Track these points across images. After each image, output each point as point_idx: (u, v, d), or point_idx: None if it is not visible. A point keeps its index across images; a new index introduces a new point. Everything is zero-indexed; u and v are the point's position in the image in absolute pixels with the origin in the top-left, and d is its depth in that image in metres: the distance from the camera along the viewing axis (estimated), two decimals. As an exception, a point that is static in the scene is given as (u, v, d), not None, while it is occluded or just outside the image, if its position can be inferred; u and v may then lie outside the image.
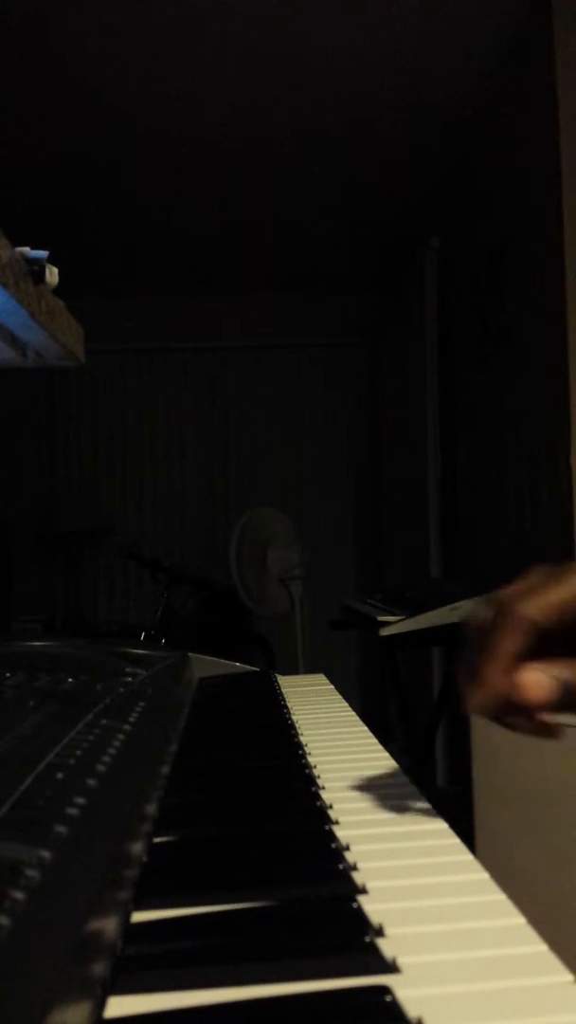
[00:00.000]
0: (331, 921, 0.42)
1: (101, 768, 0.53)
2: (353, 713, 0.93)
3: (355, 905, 0.43)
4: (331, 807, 0.59)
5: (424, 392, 4.11)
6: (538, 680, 0.53)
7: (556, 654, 0.56)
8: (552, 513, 2.66)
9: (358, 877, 0.47)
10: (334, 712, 0.95)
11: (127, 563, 5.00)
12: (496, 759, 1.80)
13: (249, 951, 0.39)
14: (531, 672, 0.53)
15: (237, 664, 1.21)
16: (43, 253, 0.86)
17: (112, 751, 0.57)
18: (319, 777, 0.66)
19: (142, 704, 0.73)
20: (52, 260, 0.87)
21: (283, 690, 1.05)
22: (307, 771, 0.67)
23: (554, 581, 0.56)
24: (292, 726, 0.84)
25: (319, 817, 0.56)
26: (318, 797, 0.60)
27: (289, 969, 0.37)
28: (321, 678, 1.19)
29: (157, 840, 0.53)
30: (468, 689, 0.56)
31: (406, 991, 0.35)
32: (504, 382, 3.14)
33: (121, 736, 0.61)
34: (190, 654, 1.16)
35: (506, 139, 3.10)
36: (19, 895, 0.34)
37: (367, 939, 0.39)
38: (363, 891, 0.45)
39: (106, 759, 0.55)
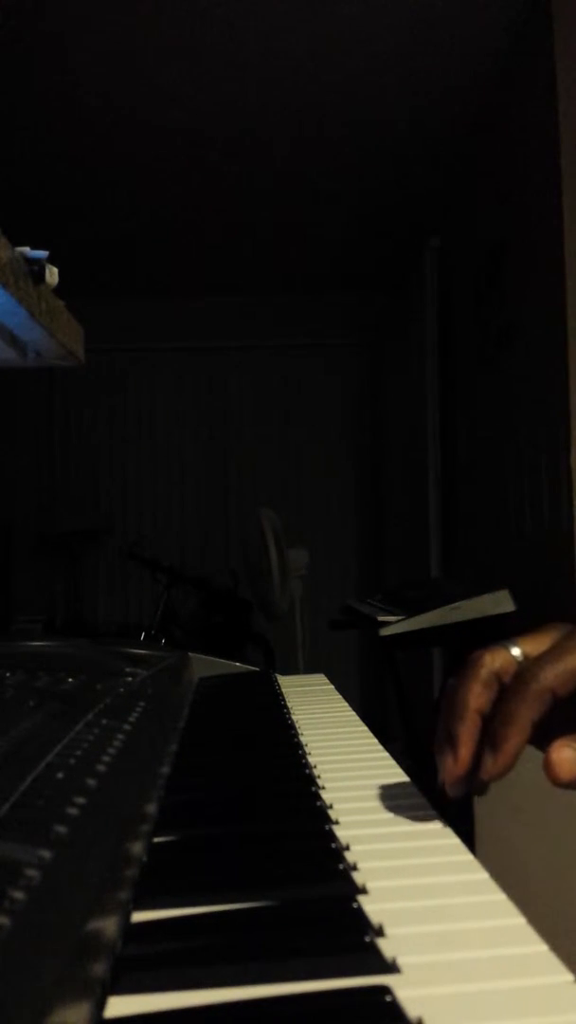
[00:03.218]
0: (331, 921, 0.42)
1: (101, 768, 0.53)
2: (353, 713, 0.93)
3: (355, 905, 0.43)
4: (331, 807, 0.59)
5: (424, 392, 4.11)
6: (571, 758, 0.51)
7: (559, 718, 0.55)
8: (552, 513, 2.66)
9: (358, 877, 0.47)
10: (334, 712, 0.95)
11: (127, 563, 5.00)
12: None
13: (249, 951, 0.39)
14: (562, 749, 0.51)
15: (237, 664, 1.21)
16: (43, 253, 0.86)
17: (112, 751, 0.57)
18: (319, 777, 0.66)
19: (142, 704, 0.73)
20: (52, 260, 0.87)
21: (283, 690, 1.05)
22: (307, 771, 0.67)
23: (572, 646, 0.54)
24: (292, 726, 0.84)
25: (319, 817, 0.56)
26: (318, 797, 0.60)
27: (289, 969, 0.37)
28: (321, 678, 1.19)
29: (157, 840, 0.53)
30: (448, 760, 0.54)
31: (406, 991, 0.35)
32: (504, 382, 3.14)
33: (121, 736, 0.61)
34: (190, 654, 1.16)
35: (506, 139, 3.10)
36: (19, 895, 0.34)
37: (367, 939, 0.39)
38: (363, 891, 0.45)
39: (106, 759, 0.55)
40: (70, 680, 0.80)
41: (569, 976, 0.36)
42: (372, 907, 0.43)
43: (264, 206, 4.23)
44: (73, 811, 0.44)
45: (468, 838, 1.40)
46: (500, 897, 0.45)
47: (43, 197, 3.99)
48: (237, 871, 0.48)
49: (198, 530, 5.46)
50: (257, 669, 1.22)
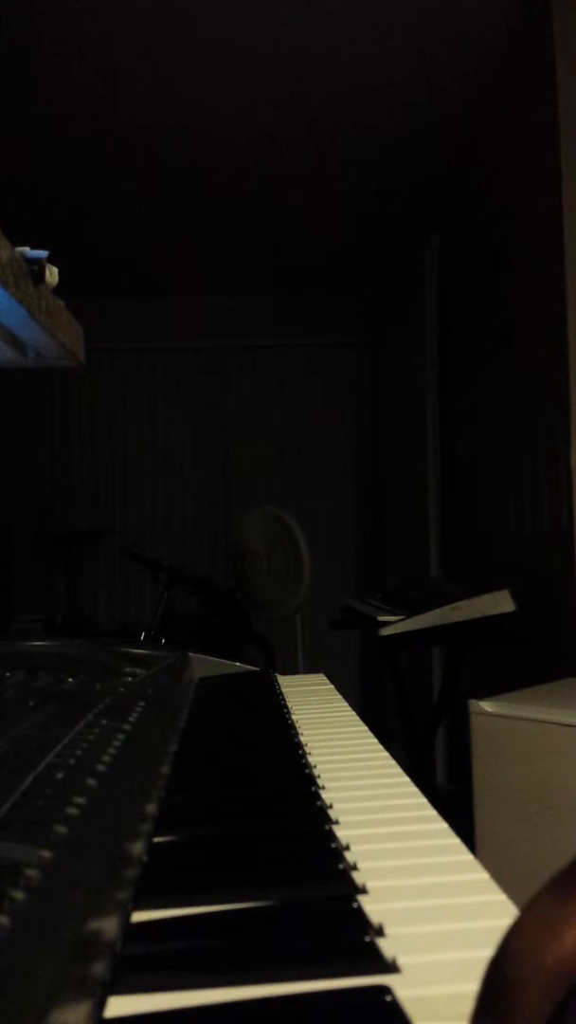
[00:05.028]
0: (331, 921, 0.42)
1: (101, 768, 0.53)
2: (353, 713, 0.93)
3: (355, 905, 0.43)
4: (331, 807, 0.59)
5: (424, 391, 4.11)
6: None
7: None
8: (552, 513, 2.66)
9: (358, 877, 0.47)
10: (334, 712, 0.95)
11: (127, 563, 5.00)
12: (496, 759, 1.80)
13: (249, 951, 0.39)
14: None
15: (237, 664, 1.21)
16: (43, 253, 0.86)
17: (112, 751, 0.57)
18: (319, 777, 0.66)
19: (142, 704, 0.73)
20: (52, 260, 0.87)
21: (283, 690, 1.05)
22: (307, 771, 0.67)
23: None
24: (292, 726, 0.84)
25: (319, 817, 0.56)
26: (318, 797, 0.60)
27: (289, 969, 0.37)
28: (321, 678, 1.19)
29: (157, 840, 0.53)
30: None
31: (406, 991, 0.35)
32: (504, 381, 3.14)
33: (121, 736, 0.61)
34: (190, 654, 1.16)
35: (506, 139, 3.10)
36: (19, 895, 0.34)
37: (367, 939, 0.39)
38: (363, 891, 0.45)
39: (106, 759, 0.55)
40: (70, 680, 0.80)
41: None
42: (372, 907, 0.43)
43: (264, 206, 4.23)
44: (73, 811, 0.44)
45: (468, 838, 1.40)
46: (500, 897, 0.45)
47: (43, 197, 3.99)
48: (237, 871, 0.48)
49: (198, 530, 5.46)
50: (257, 669, 1.22)
